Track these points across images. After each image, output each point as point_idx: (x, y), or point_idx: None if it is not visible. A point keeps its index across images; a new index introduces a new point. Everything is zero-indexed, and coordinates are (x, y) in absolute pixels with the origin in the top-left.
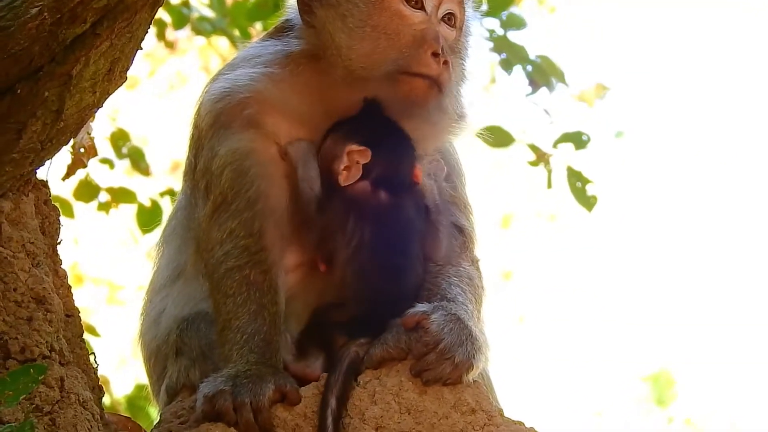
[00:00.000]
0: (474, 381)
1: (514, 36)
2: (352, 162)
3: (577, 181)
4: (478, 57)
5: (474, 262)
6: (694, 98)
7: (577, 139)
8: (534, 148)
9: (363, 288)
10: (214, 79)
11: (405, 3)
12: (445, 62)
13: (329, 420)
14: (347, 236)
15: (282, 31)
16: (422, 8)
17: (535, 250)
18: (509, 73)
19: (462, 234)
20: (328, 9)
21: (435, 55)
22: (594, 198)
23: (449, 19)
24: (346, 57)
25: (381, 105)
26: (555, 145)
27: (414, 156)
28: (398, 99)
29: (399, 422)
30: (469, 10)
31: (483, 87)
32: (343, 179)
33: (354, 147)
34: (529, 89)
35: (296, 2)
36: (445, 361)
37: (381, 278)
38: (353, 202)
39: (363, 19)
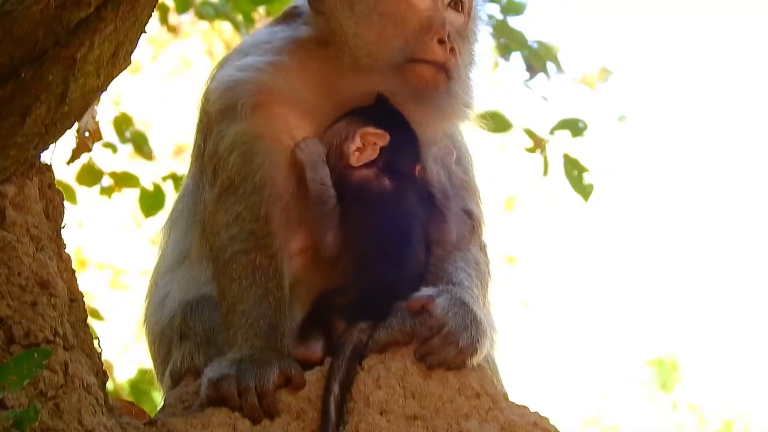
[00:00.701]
0: (478, 365)
1: (513, 21)
2: (367, 143)
3: (573, 169)
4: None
5: (482, 247)
6: (699, 82)
7: (574, 126)
8: (531, 134)
9: (362, 273)
10: (221, 65)
11: None
12: (452, 49)
13: (332, 406)
14: (347, 221)
15: (290, 17)
16: None
17: (539, 234)
18: (507, 59)
19: (471, 219)
20: None
21: (441, 42)
22: (590, 186)
23: (456, 4)
24: (353, 45)
25: (390, 100)
26: (552, 132)
27: (418, 150)
28: (407, 87)
29: (403, 406)
30: None
31: (486, 72)
32: (355, 159)
33: (370, 129)
34: (527, 75)
35: None
36: (449, 345)
37: (380, 264)
38: (355, 187)
39: (370, 6)
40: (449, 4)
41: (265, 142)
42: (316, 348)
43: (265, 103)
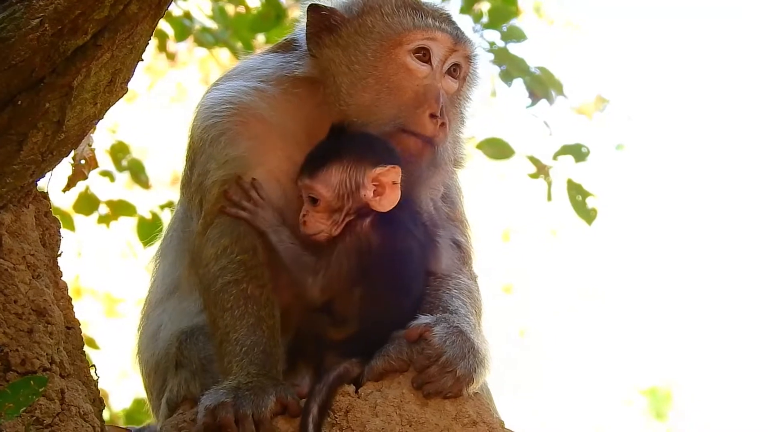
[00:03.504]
0: (475, 393)
1: (514, 48)
2: (385, 184)
3: (577, 194)
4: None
5: (473, 277)
6: (696, 110)
7: (577, 152)
8: (534, 160)
9: (369, 308)
10: (209, 90)
11: (412, 56)
12: (442, 124)
13: (310, 427)
14: (349, 262)
15: (286, 48)
16: (429, 62)
17: (535, 262)
18: (509, 85)
19: (460, 250)
20: (336, 49)
21: (432, 116)
22: (594, 211)
23: (455, 70)
24: (344, 103)
25: (347, 127)
26: (555, 158)
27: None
28: None
29: None
30: (477, 62)
31: (484, 100)
32: (381, 205)
33: (380, 170)
34: (529, 101)
35: (305, 29)
36: (447, 374)
37: (389, 298)
38: (359, 230)
39: (368, 69)
40: (447, 71)
41: (249, 170)
42: (303, 383)
43: (249, 129)
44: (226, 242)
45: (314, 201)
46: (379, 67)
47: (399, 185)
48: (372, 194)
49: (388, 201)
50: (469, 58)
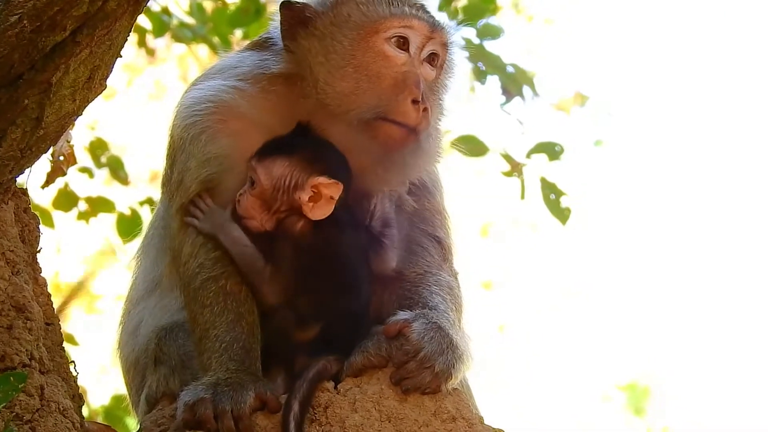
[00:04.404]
0: (454, 389)
1: (489, 45)
2: (321, 195)
3: (550, 192)
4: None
5: (453, 273)
6: (677, 106)
7: (551, 150)
8: (508, 158)
9: (323, 311)
10: (188, 89)
11: (390, 43)
12: (425, 109)
13: (292, 424)
14: (297, 264)
15: (262, 46)
16: (406, 49)
17: (515, 259)
18: (483, 83)
19: (440, 245)
20: (312, 40)
21: (415, 102)
22: (568, 210)
23: (432, 59)
24: (322, 92)
25: (313, 128)
26: (528, 156)
27: (350, 181)
28: (373, 142)
29: (379, 430)
30: (453, 50)
31: (461, 97)
32: (310, 212)
33: (323, 180)
34: (503, 99)
35: (279, 25)
36: (425, 370)
37: (340, 301)
38: (297, 233)
39: (346, 57)
40: (425, 59)
41: (227, 165)
42: (276, 387)
43: (229, 126)
44: (203, 239)
45: (253, 184)
46: (357, 55)
47: (334, 202)
48: (306, 199)
49: (320, 211)
50: (446, 46)
